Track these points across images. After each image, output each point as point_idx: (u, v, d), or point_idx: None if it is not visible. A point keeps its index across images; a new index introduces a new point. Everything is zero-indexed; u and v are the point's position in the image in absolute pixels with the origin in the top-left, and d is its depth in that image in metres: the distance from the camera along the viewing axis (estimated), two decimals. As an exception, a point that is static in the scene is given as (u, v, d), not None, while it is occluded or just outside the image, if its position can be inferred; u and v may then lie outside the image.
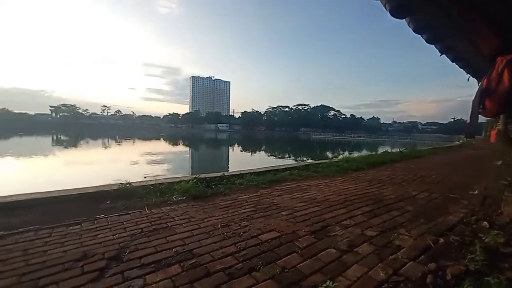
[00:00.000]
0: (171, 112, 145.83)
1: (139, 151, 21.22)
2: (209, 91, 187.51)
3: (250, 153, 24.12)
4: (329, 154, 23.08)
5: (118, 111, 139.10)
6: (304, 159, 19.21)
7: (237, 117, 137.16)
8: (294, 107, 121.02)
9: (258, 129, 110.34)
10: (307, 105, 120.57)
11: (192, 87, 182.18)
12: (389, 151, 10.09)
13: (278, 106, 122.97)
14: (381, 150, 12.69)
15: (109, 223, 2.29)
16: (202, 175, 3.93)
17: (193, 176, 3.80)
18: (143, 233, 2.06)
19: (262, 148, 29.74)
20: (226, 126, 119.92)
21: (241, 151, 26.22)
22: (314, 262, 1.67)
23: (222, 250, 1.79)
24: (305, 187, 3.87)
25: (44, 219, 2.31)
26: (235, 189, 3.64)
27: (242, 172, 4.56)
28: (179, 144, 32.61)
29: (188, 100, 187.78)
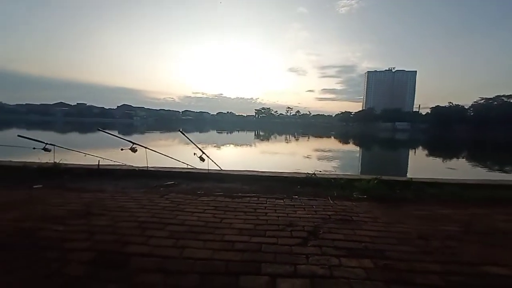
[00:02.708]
0: (343, 111, 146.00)
1: (311, 147, 23.23)
2: (387, 85, 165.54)
3: (441, 159, 18.67)
4: None
5: (298, 111, 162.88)
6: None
7: (424, 113, 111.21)
8: (536, 94, 77.70)
9: (457, 128, 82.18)
10: None
11: (367, 83, 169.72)
12: None
13: (497, 96, 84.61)
14: None
15: (302, 203, 2.76)
16: (385, 177, 3.64)
17: (374, 177, 3.62)
18: (331, 220, 2.29)
19: (463, 155, 21.98)
20: (408, 125, 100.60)
21: (427, 156, 20.94)
22: None
23: (422, 264, 1.59)
24: None
25: (261, 190, 3.22)
26: (428, 199, 3.06)
27: (437, 180, 3.71)
28: (348, 142, 31.94)
29: (362, 97, 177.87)
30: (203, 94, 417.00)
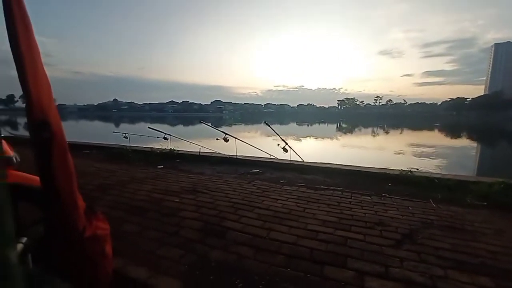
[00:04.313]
0: (453, 97, 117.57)
1: (406, 141, 19.91)
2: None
3: None
4: None
5: (389, 100, 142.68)
6: None
7: None
8: None
9: None
10: None
11: (494, 59, 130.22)
12: None
13: None
14: None
15: (394, 203, 2.48)
16: (518, 181, 2.80)
17: (500, 180, 2.85)
18: (434, 225, 1.97)
19: None
20: None
21: None
22: None
23: None
24: None
25: (345, 184, 3.08)
26: None
27: None
28: (460, 136, 25.56)
29: (484, 78, 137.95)
30: (284, 86, 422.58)
